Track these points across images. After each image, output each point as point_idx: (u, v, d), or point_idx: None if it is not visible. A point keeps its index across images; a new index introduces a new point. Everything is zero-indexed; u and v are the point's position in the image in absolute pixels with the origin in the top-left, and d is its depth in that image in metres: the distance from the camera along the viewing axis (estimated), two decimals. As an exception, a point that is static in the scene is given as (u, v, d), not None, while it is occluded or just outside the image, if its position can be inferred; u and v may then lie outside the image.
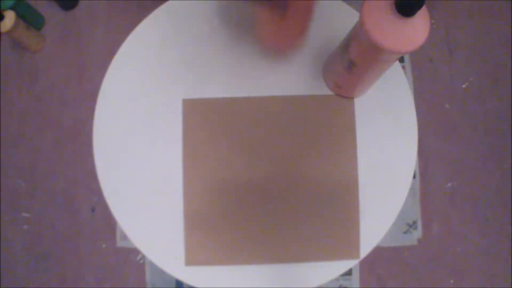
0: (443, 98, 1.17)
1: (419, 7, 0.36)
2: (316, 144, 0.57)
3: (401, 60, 1.17)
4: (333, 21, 0.59)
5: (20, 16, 1.08)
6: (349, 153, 0.57)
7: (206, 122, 0.57)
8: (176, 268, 0.55)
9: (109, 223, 1.07)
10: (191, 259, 0.55)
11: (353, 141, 0.57)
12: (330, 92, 0.58)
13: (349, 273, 1.07)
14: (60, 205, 1.08)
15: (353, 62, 0.47)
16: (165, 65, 0.59)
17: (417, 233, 1.10)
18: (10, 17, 1.05)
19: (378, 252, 1.08)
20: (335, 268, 0.56)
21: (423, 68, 1.18)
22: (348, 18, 0.59)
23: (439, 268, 1.09)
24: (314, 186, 0.56)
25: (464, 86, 1.18)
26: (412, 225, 1.10)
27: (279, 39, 0.49)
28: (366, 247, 0.56)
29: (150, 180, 0.56)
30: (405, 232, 1.10)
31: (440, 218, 1.11)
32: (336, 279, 1.05)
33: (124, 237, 1.06)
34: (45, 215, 1.08)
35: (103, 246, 1.07)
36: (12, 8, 1.07)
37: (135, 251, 1.06)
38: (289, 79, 0.59)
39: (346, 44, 0.47)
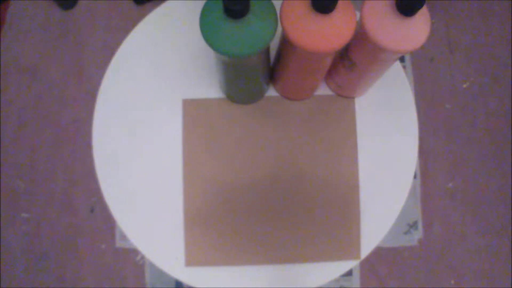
0: (444, 98, 1.17)
1: (419, 6, 0.36)
2: (316, 144, 0.57)
3: (402, 59, 1.17)
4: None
5: None
6: (349, 153, 0.57)
7: (206, 122, 0.57)
8: (176, 268, 0.55)
9: (108, 224, 1.07)
10: (191, 260, 0.55)
11: (354, 141, 0.57)
12: (330, 92, 0.58)
13: (349, 273, 1.07)
14: (59, 205, 1.08)
15: (353, 62, 0.47)
16: (165, 65, 0.59)
17: (418, 234, 1.10)
18: None
19: (378, 252, 1.07)
20: (335, 269, 0.56)
21: (423, 68, 1.18)
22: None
23: (439, 269, 1.09)
24: (314, 186, 0.56)
25: (465, 86, 1.17)
26: (413, 226, 1.10)
27: (296, 96, 0.57)
28: (366, 247, 0.56)
29: (149, 180, 0.56)
30: (405, 233, 1.09)
31: (441, 219, 1.11)
32: (337, 280, 1.05)
33: (124, 237, 1.06)
34: (44, 215, 1.08)
35: (103, 246, 1.06)
36: None
37: (134, 252, 1.06)
38: (289, 79, 0.58)
39: (346, 44, 0.46)
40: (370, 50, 0.42)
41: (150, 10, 0.60)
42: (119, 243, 1.07)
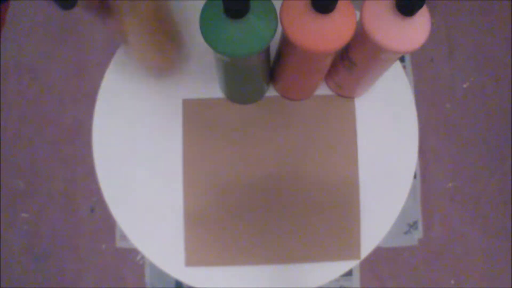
0: (444, 98, 1.16)
1: (419, 6, 0.36)
2: (316, 144, 0.57)
3: (402, 59, 1.17)
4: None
5: None
6: (349, 153, 0.57)
7: (206, 122, 0.57)
8: (176, 268, 0.55)
9: (108, 224, 1.07)
10: (191, 260, 0.55)
11: (354, 141, 0.57)
12: (330, 92, 0.58)
13: (349, 273, 1.07)
14: (59, 205, 1.08)
15: (353, 62, 0.47)
16: (164, 65, 0.58)
17: (418, 234, 1.10)
18: None
19: (378, 252, 1.07)
20: (335, 269, 0.56)
21: (423, 68, 1.18)
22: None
23: (439, 269, 1.09)
24: (314, 186, 0.56)
25: (465, 85, 1.17)
26: (413, 226, 1.10)
27: (296, 96, 0.57)
28: (366, 247, 0.56)
29: (150, 180, 0.56)
30: (405, 233, 1.09)
31: (441, 218, 1.11)
32: (337, 280, 1.05)
33: (124, 237, 1.06)
34: (44, 215, 1.08)
35: (103, 246, 1.06)
36: None
37: (134, 252, 1.06)
38: (289, 79, 0.58)
39: (346, 44, 0.46)
40: (370, 50, 0.42)
41: (150, 10, 0.60)
42: (119, 243, 1.07)
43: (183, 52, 0.55)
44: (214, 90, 0.58)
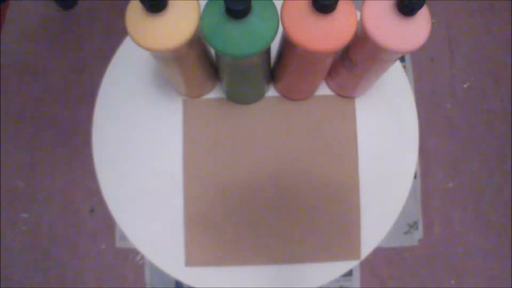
0: (444, 98, 1.17)
1: (420, 6, 0.36)
2: (317, 144, 0.57)
3: (402, 59, 1.17)
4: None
5: None
6: (350, 153, 0.57)
7: (206, 122, 0.57)
8: (175, 268, 0.55)
9: (108, 224, 1.07)
10: (191, 260, 0.55)
11: (354, 141, 0.57)
12: (331, 92, 0.58)
13: (349, 273, 1.07)
14: (59, 206, 1.08)
15: (353, 62, 0.47)
16: (164, 65, 0.58)
17: (418, 234, 1.10)
18: None
19: (378, 252, 1.07)
20: (335, 269, 0.56)
21: (424, 68, 1.18)
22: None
23: (440, 269, 1.09)
24: (315, 186, 0.56)
25: (465, 85, 1.17)
26: (413, 226, 1.10)
27: (296, 96, 0.57)
28: (367, 247, 0.56)
29: (149, 180, 0.56)
30: (406, 233, 1.09)
31: (441, 219, 1.11)
32: (337, 280, 1.05)
33: (123, 237, 1.06)
34: (44, 215, 1.08)
35: (102, 246, 1.06)
36: None
37: (134, 252, 1.06)
38: (290, 79, 0.58)
39: (347, 44, 0.46)
40: (370, 50, 0.42)
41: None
42: (119, 243, 1.07)
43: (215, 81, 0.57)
44: (214, 90, 0.58)
